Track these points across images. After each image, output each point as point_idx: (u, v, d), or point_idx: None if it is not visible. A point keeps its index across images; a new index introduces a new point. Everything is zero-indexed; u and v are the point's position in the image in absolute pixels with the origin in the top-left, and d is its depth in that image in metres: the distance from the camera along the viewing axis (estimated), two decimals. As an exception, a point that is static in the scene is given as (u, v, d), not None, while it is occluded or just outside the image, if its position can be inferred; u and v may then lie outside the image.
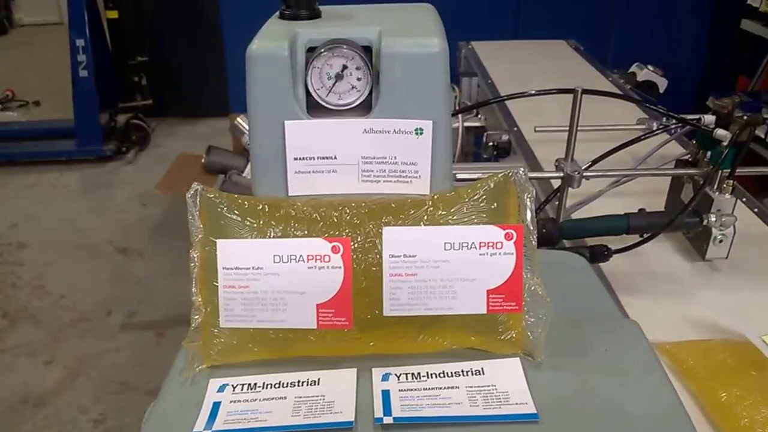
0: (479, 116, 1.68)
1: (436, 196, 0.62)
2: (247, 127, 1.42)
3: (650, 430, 0.54)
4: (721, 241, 1.03)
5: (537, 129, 1.35)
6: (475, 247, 0.60)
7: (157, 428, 0.57)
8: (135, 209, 2.91)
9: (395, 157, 0.63)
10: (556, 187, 1.10)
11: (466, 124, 1.66)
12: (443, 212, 0.61)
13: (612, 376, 0.59)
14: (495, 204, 0.61)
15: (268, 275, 0.61)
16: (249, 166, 1.31)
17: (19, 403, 2.02)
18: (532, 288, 0.60)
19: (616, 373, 0.59)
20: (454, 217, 0.61)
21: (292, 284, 0.61)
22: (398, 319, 0.61)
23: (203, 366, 0.62)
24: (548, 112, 1.47)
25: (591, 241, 1.04)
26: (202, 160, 1.38)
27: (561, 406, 0.56)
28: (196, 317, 0.62)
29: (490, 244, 0.60)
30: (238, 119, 1.47)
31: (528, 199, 0.60)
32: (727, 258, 1.04)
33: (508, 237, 0.60)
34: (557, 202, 1.11)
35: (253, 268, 0.61)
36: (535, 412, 0.55)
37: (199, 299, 0.62)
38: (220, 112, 3.33)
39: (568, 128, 1.06)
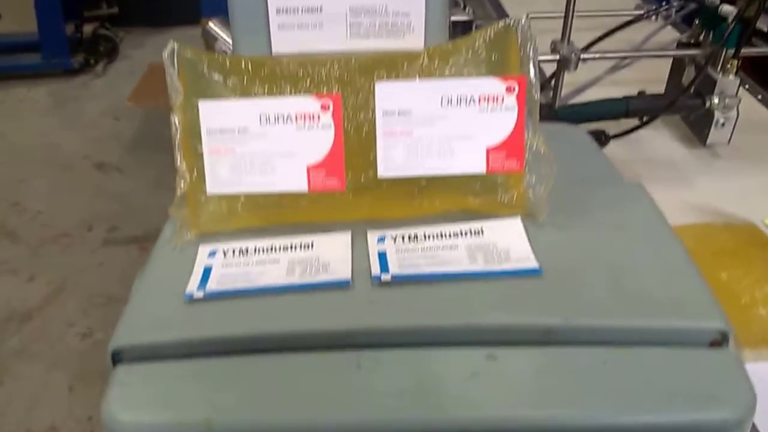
0: (466, 9, 1.61)
1: (431, 49, 0.58)
2: (219, 33, 1.34)
3: (657, 281, 0.52)
4: (723, 125, 1.00)
5: (530, 15, 1.29)
6: (474, 103, 0.57)
7: (147, 294, 0.55)
8: (108, 123, 2.81)
9: (386, 8, 0.58)
10: (550, 74, 1.06)
11: (453, 18, 1.58)
12: (439, 66, 0.57)
13: (617, 233, 0.57)
14: (495, 56, 0.57)
15: (255, 137, 0.57)
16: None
17: (4, 320, 2.00)
18: (534, 146, 0.58)
19: (621, 230, 0.57)
20: (452, 71, 0.57)
21: (281, 146, 0.57)
22: (393, 181, 0.58)
23: (192, 234, 0.59)
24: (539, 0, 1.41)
25: (587, 128, 1.01)
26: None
27: (564, 261, 0.54)
28: (181, 183, 0.59)
29: (490, 99, 0.56)
30: (210, 24, 1.39)
31: (531, 51, 0.57)
32: (728, 143, 1.02)
33: (509, 90, 0.56)
34: (551, 92, 1.07)
35: (238, 129, 0.57)
36: (537, 266, 0.53)
37: (184, 166, 0.59)
38: (190, 20, 3.17)
39: (562, 14, 1.01)
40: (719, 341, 0.49)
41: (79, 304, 2.03)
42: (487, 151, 0.57)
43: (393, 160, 0.57)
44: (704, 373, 0.47)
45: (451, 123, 0.57)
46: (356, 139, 0.57)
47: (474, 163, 0.57)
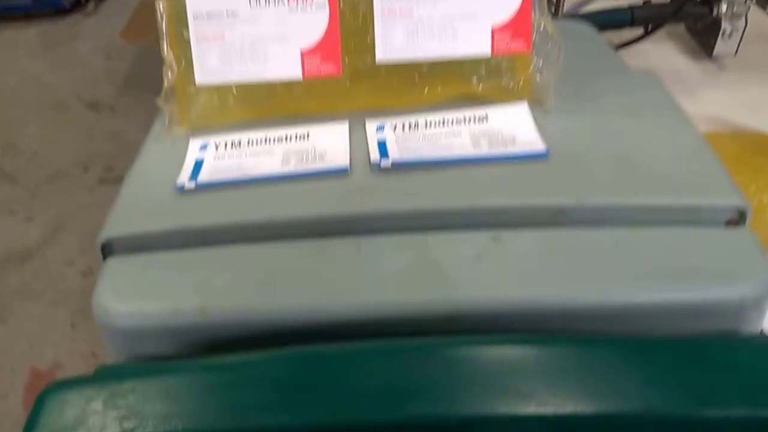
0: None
1: None
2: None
3: (671, 162, 0.50)
4: (730, 35, 0.96)
5: None
6: (478, -21, 0.53)
7: (136, 187, 0.53)
8: (100, 63, 2.75)
9: None
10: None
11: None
12: (441, -60, 0.53)
13: (629, 118, 0.54)
14: (499, -73, 0.53)
15: (245, 21, 0.54)
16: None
17: (3, 260, 1.99)
18: (542, 26, 0.54)
19: (633, 115, 0.55)
20: (454, -55, 0.53)
21: (272, 30, 0.54)
22: (393, 67, 0.55)
23: (182, 128, 0.57)
24: None
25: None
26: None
27: (573, 145, 0.52)
28: (169, 74, 0.55)
29: (495, -26, 0.53)
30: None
31: None
32: (735, 55, 0.98)
33: (515, -36, 0.53)
34: (554, 5, 1.03)
35: (226, 13, 0.54)
36: (544, 150, 0.51)
37: (171, 55, 0.55)
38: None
39: None
40: (736, 220, 0.46)
41: (78, 243, 2.02)
42: (492, 32, 0.54)
43: (392, 43, 0.54)
44: (721, 251, 0.45)
45: (453, 1, 0.53)
46: (353, 21, 0.54)
47: (478, 45, 0.54)
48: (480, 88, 0.56)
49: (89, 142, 2.38)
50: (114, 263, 0.48)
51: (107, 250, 0.49)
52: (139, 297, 0.45)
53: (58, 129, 2.44)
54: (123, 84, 2.62)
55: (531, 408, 0.35)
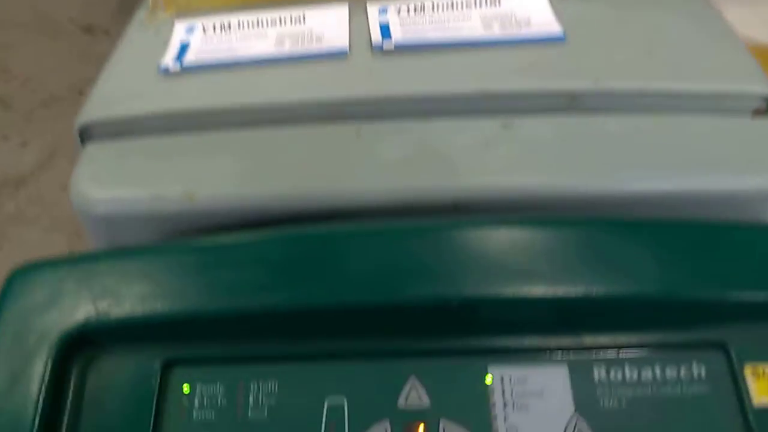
0: None
1: None
2: None
3: (695, 48, 0.46)
4: None
5: None
6: None
7: (117, 71, 0.49)
8: (95, -15, 2.65)
9: None
10: None
11: None
12: None
13: (652, 5, 0.50)
14: None
15: None
16: None
17: (-2, 187, 1.96)
18: None
19: (656, 3, 0.50)
20: None
21: None
22: (397, -55, 0.51)
23: (167, 13, 0.52)
24: None
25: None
26: None
27: (591, 30, 0.47)
28: (151, -52, 0.51)
29: None
30: None
31: None
32: None
33: None
34: None
35: None
36: (560, 32, 0.47)
37: (153, -71, 0.51)
38: None
39: None
40: (764, 109, 0.43)
41: (73, 168, 1.99)
42: None
43: None
44: (746, 141, 0.41)
45: None
46: None
47: None
48: (492, -30, 0.51)
49: (84, 66, 2.31)
50: (93, 149, 0.44)
51: (86, 135, 0.45)
52: (119, 182, 0.42)
53: (52, 53, 2.37)
54: (117, 7, 2.53)
55: (539, 290, 0.32)
